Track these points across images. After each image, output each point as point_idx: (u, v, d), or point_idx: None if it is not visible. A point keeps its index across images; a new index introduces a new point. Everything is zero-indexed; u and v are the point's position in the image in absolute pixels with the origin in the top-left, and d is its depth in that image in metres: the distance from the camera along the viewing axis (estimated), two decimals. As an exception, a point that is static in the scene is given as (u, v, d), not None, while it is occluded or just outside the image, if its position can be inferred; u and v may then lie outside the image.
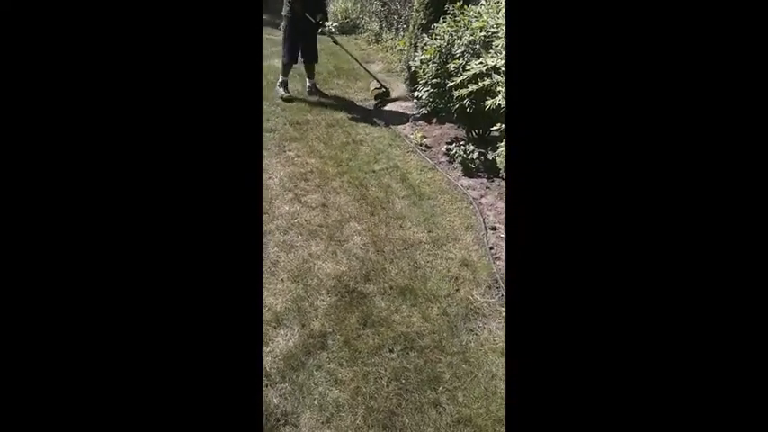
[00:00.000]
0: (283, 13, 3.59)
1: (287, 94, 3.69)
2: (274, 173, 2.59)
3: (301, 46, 3.63)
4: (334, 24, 6.94)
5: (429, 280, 1.82)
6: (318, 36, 3.81)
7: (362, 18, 6.72)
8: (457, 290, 1.77)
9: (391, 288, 1.76)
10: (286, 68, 3.71)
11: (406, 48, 4.07)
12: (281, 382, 1.36)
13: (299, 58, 3.70)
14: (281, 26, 3.74)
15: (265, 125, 3.22)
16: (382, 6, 5.89)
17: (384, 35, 5.89)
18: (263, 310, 1.62)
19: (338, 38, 6.45)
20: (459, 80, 2.57)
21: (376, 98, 3.85)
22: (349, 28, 6.89)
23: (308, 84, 3.87)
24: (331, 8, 7.35)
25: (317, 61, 3.86)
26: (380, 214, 2.25)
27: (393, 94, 4.02)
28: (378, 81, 3.99)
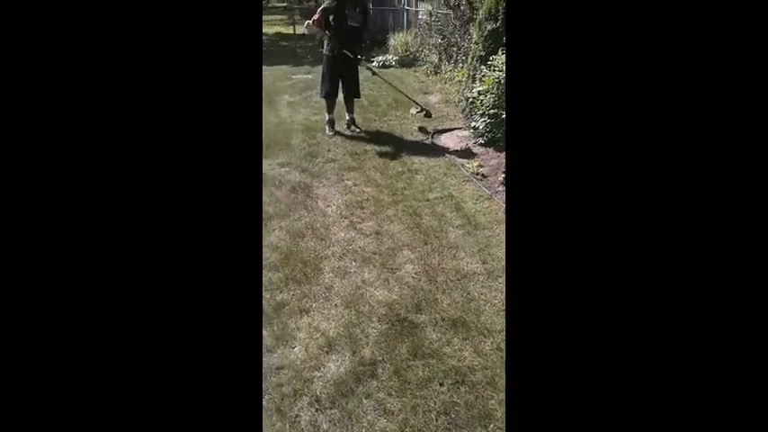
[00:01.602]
0: (324, 52, 3.74)
1: (332, 133, 3.78)
2: (332, 201, 2.69)
3: (342, 81, 3.75)
4: (395, 58, 7.21)
5: (482, 313, 1.78)
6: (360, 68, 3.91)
7: (422, 51, 6.92)
8: (512, 324, 1.71)
9: (443, 319, 1.74)
10: (330, 106, 3.83)
11: (464, 79, 4.12)
12: (330, 408, 1.37)
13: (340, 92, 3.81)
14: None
15: (326, 156, 3.37)
16: (442, 39, 6.03)
17: (443, 67, 6.00)
18: (317, 335, 1.66)
19: (398, 71, 6.68)
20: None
21: (420, 129, 3.91)
22: (409, 61, 7.11)
23: (347, 118, 3.96)
24: (391, 42, 7.66)
25: (358, 96, 3.97)
26: (434, 243, 2.25)
27: (451, 124, 4.06)
28: (417, 104, 4.06)
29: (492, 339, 1.64)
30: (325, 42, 3.72)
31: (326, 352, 1.59)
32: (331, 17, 3.55)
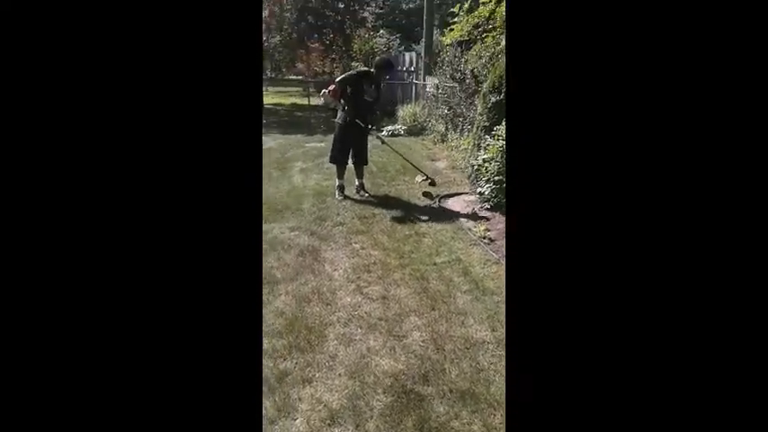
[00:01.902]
0: (337, 121, 3.95)
1: (341, 197, 3.90)
2: (339, 264, 2.70)
3: (352, 149, 3.93)
4: (403, 127, 7.55)
5: (492, 384, 1.70)
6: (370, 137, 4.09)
7: (429, 121, 7.25)
8: (523, 397, 1.63)
9: (451, 391, 1.67)
10: (340, 171, 3.98)
11: (469, 147, 4.27)
12: (330, 489, 1.28)
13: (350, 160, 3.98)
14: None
15: (335, 219, 3.43)
16: (448, 110, 6.34)
17: (449, 136, 6.25)
18: (320, 407, 1.59)
19: (407, 139, 6.96)
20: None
21: (424, 194, 4.00)
22: (417, 130, 7.43)
23: (356, 183, 4.09)
24: (400, 113, 8.05)
25: (366, 163, 4.12)
26: (441, 309, 2.21)
27: (458, 189, 4.15)
28: (423, 173, 4.17)
29: (502, 412, 1.55)
30: (339, 112, 3.93)
31: (329, 425, 1.52)
32: (348, 88, 3.77)
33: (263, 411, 1.56)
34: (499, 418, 1.53)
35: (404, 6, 18.42)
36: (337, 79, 3.83)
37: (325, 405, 1.60)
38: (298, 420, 1.54)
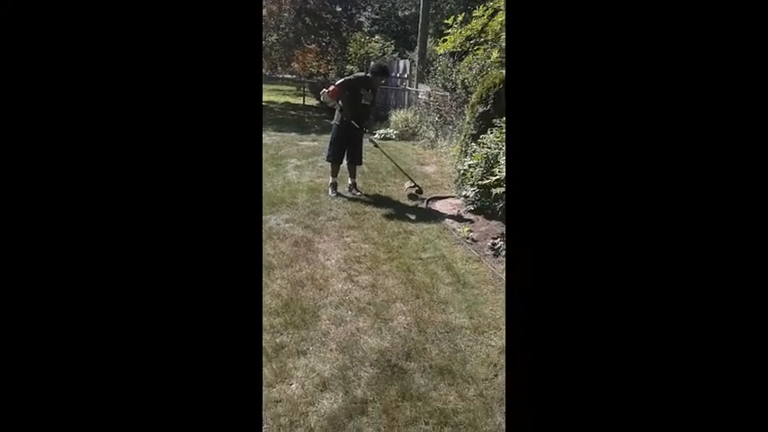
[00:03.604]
0: (334, 121, 4.16)
1: (334, 194, 4.09)
2: (332, 255, 2.89)
3: (347, 150, 4.14)
4: (395, 132, 7.77)
5: (468, 363, 1.91)
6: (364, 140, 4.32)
7: (420, 127, 7.50)
8: (495, 375, 1.84)
9: (431, 367, 1.87)
10: (334, 170, 4.19)
11: (457, 153, 4.50)
12: (322, 440, 1.47)
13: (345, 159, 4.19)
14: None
15: (328, 214, 3.61)
16: (438, 117, 6.59)
17: (439, 142, 6.50)
18: (313, 375, 1.78)
19: (398, 143, 7.16)
20: (495, 179, 2.86)
21: (409, 196, 4.23)
22: (408, 135, 7.66)
23: (349, 182, 4.29)
24: (393, 117, 8.27)
25: (360, 164, 4.35)
26: (425, 298, 2.42)
27: (445, 192, 4.37)
28: (412, 180, 4.41)
29: (475, 387, 1.76)
30: (336, 113, 4.13)
31: (321, 390, 1.70)
32: (347, 92, 3.98)
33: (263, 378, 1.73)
34: (473, 392, 1.74)
35: (399, 14, 18.74)
36: (338, 82, 4.03)
37: (317, 374, 1.79)
38: (293, 385, 1.72)
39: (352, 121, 4.01)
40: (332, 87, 3.93)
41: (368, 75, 4.13)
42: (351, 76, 4.20)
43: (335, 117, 4.15)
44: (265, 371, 1.78)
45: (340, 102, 4.02)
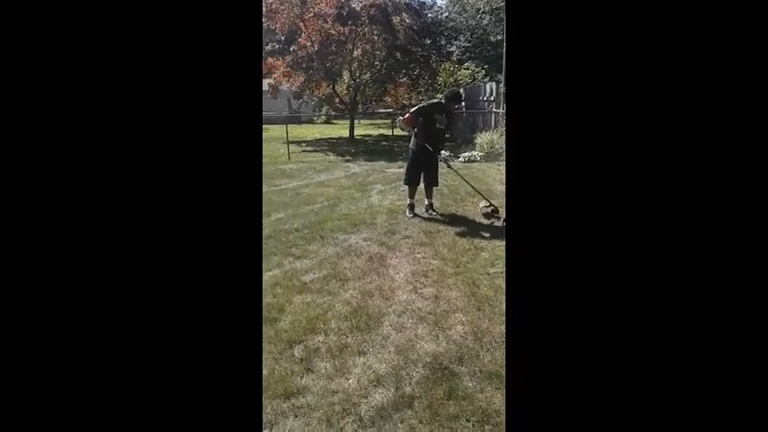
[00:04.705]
0: (410, 146, 4.39)
1: (411, 215, 4.28)
2: (401, 269, 3.07)
3: (423, 172, 4.33)
4: (480, 153, 7.80)
5: (520, 370, 1.92)
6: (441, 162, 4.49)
7: (505, 147, 7.42)
8: (548, 384, 1.83)
9: (481, 372, 1.93)
10: (411, 191, 4.40)
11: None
12: (370, 426, 1.63)
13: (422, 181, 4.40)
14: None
15: (403, 233, 3.83)
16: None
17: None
18: (369, 372, 1.96)
19: (483, 164, 7.17)
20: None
21: (485, 215, 4.22)
22: (494, 156, 7.64)
23: (426, 203, 4.46)
24: (478, 140, 8.32)
25: (436, 185, 4.51)
26: (486, 310, 2.46)
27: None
28: (487, 200, 4.39)
29: (524, 392, 1.78)
30: (412, 138, 4.40)
31: (374, 385, 1.87)
32: (421, 118, 4.24)
33: (323, 372, 1.96)
34: (520, 396, 1.76)
35: (492, 38, 18.85)
36: (412, 110, 4.31)
37: (373, 371, 1.96)
38: (350, 379, 1.92)
39: (426, 144, 4.23)
40: (407, 115, 4.21)
41: (441, 101, 4.35)
42: (424, 103, 4.46)
43: (411, 142, 4.40)
44: (327, 366, 2.00)
45: (415, 129, 4.27)
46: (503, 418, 1.64)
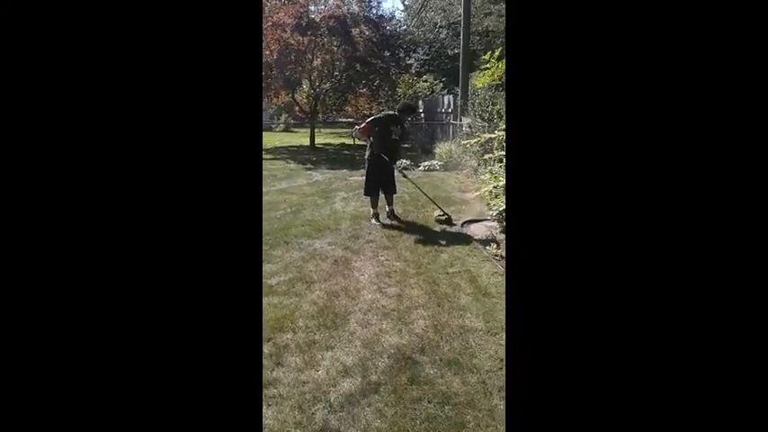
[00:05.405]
0: (366, 157, 4.55)
1: (374, 221, 4.44)
2: (366, 271, 3.21)
3: (381, 181, 4.51)
4: (439, 163, 8.11)
5: (475, 357, 2.11)
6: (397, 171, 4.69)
7: (463, 157, 7.78)
8: (500, 368, 2.02)
9: (441, 360, 2.09)
10: (373, 202, 4.56)
11: (488, 177, 4.73)
12: (339, 411, 1.75)
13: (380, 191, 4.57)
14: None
15: (366, 237, 3.97)
16: (479, 147, 6.85)
17: (480, 170, 6.72)
18: (337, 364, 2.08)
19: (442, 173, 7.47)
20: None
21: (438, 222, 4.46)
22: (453, 165, 7.97)
23: (387, 209, 4.65)
24: (437, 149, 8.65)
25: (395, 192, 4.70)
26: (445, 306, 2.65)
27: (480, 216, 4.58)
28: (440, 209, 4.65)
29: (479, 376, 1.96)
30: (367, 149, 4.57)
31: (343, 375, 1.99)
32: (376, 128, 4.42)
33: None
34: (475, 379, 1.94)
35: (449, 52, 19.53)
36: (368, 120, 4.49)
37: (341, 363, 2.08)
38: (320, 371, 2.03)
39: (382, 154, 4.42)
40: (363, 125, 4.39)
41: (395, 113, 4.56)
42: (380, 114, 4.66)
43: (367, 153, 4.58)
44: (297, 360, 2.11)
45: (371, 139, 4.45)
46: (461, 398, 1.81)
